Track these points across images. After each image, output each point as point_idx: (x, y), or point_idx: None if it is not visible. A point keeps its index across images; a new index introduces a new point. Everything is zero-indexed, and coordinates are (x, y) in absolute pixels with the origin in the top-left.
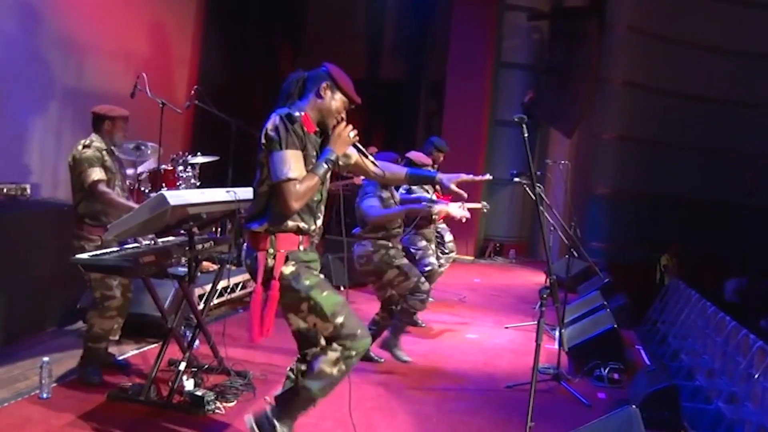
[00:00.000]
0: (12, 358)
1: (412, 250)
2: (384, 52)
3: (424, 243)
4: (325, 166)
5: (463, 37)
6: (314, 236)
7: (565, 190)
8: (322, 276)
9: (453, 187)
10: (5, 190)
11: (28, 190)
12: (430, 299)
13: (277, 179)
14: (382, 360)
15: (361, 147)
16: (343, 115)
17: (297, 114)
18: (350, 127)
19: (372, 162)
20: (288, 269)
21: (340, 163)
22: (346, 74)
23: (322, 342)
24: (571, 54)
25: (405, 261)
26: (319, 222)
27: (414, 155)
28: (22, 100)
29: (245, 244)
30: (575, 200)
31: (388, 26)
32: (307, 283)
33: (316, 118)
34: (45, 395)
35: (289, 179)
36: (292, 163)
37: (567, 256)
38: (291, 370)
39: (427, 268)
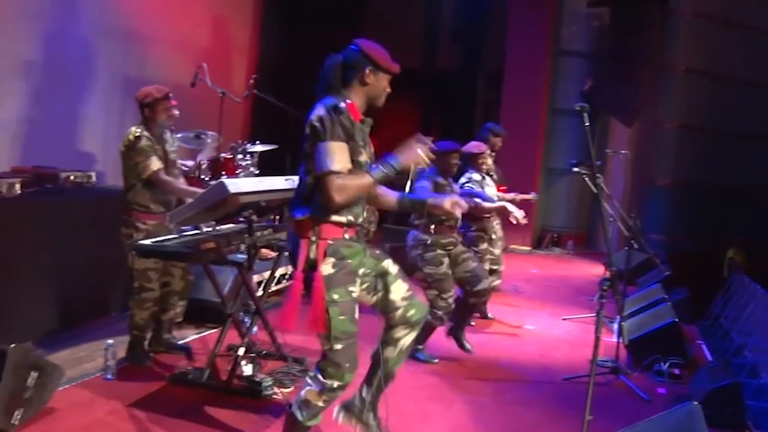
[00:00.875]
0: (78, 340)
1: (474, 250)
2: (441, 41)
3: (485, 246)
4: (383, 171)
5: (520, 26)
6: (363, 227)
7: (625, 180)
8: (355, 294)
9: (446, 205)
10: (72, 178)
11: (93, 178)
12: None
13: (320, 171)
14: (436, 360)
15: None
16: (389, 89)
17: (343, 104)
18: (427, 147)
19: None
20: (327, 270)
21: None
22: (380, 46)
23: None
24: (633, 41)
25: (437, 270)
26: (366, 215)
27: (466, 147)
28: (87, 91)
29: (289, 231)
30: (635, 191)
31: (446, 15)
32: (335, 297)
33: (362, 104)
34: (109, 376)
35: (332, 172)
36: (336, 156)
37: (626, 248)
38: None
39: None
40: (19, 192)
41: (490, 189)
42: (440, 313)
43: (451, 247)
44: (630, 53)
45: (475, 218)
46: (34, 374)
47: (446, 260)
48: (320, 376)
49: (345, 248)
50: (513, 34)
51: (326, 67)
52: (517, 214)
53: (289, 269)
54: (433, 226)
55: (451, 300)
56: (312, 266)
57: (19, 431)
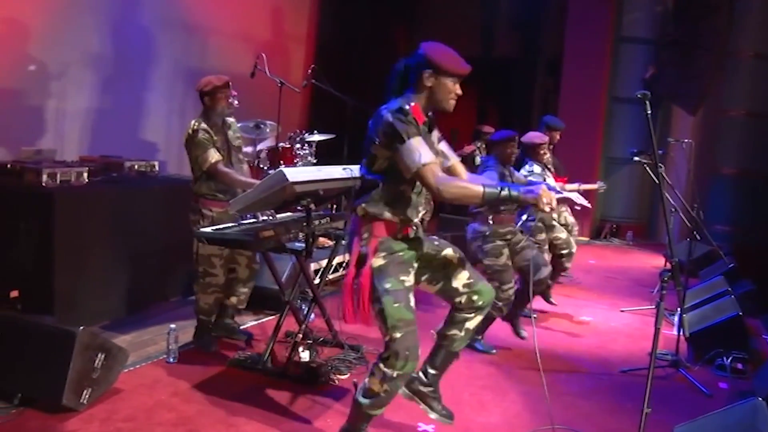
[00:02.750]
0: (141, 324)
1: (533, 240)
2: (499, 28)
3: (543, 236)
4: (497, 191)
5: (581, 11)
6: (416, 227)
7: (688, 170)
8: (408, 283)
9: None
10: (136, 167)
11: (156, 167)
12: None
13: (415, 169)
14: (494, 351)
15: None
16: (459, 91)
17: (407, 107)
18: (552, 202)
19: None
20: (377, 262)
21: (439, 163)
22: (449, 48)
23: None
24: (697, 26)
25: (496, 261)
26: (422, 213)
27: (526, 137)
28: (151, 82)
29: (350, 224)
30: (699, 181)
31: (504, 2)
32: (387, 286)
33: (426, 106)
34: (171, 360)
35: (424, 164)
36: (421, 149)
37: (689, 239)
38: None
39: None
40: (87, 181)
41: (550, 181)
42: (500, 304)
43: (510, 236)
44: (694, 39)
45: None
46: (101, 356)
47: (506, 251)
48: (381, 365)
49: (397, 244)
50: (572, 21)
51: (391, 72)
52: (583, 202)
53: (347, 257)
54: (491, 216)
55: (511, 291)
56: (362, 261)
57: (87, 410)
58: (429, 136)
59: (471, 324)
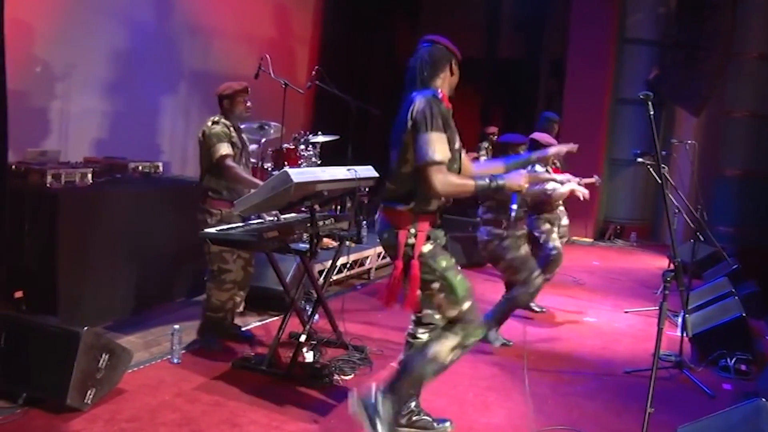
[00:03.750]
0: (145, 325)
1: (536, 234)
2: (503, 29)
3: (547, 226)
4: (488, 182)
5: (584, 13)
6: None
7: (692, 171)
8: (453, 261)
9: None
10: (140, 168)
11: (160, 168)
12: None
13: (422, 161)
14: (511, 343)
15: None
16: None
17: (440, 94)
18: (528, 182)
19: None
20: (427, 247)
21: None
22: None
23: (440, 323)
24: (701, 27)
25: (519, 253)
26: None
27: (539, 136)
28: (154, 83)
29: (381, 219)
30: (702, 182)
31: (507, 2)
32: (444, 264)
33: (447, 94)
34: (176, 360)
35: (434, 161)
36: (437, 146)
37: (692, 240)
38: (409, 333)
39: (554, 252)
40: (91, 181)
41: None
42: (532, 290)
43: (523, 239)
44: (698, 40)
45: (544, 207)
46: (105, 356)
47: (524, 243)
48: (458, 334)
49: (438, 231)
50: (576, 22)
51: (414, 64)
52: (584, 191)
53: (350, 259)
54: (504, 223)
55: (540, 279)
56: (411, 254)
57: (91, 410)
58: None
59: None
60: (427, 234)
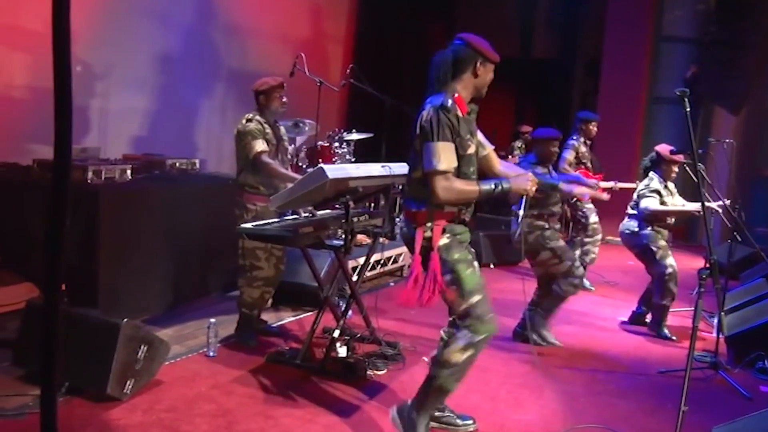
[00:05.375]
0: (182, 318)
1: (653, 249)
2: (537, 28)
3: (663, 243)
4: (493, 187)
5: (620, 11)
6: (467, 212)
7: (730, 170)
8: (471, 255)
9: (575, 190)
10: (177, 165)
11: (197, 165)
12: (586, 283)
13: (428, 169)
14: (545, 343)
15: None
16: (492, 78)
17: (450, 102)
18: (536, 183)
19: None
20: (443, 241)
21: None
22: (481, 38)
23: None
24: (740, 25)
25: (560, 243)
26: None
27: (663, 149)
28: (192, 82)
29: (403, 217)
30: (740, 182)
31: (542, 1)
32: (456, 256)
33: (468, 96)
34: (211, 353)
35: (438, 171)
36: (442, 155)
37: (729, 241)
38: (443, 332)
39: (669, 270)
40: (130, 178)
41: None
42: (576, 281)
43: (558, 233)
44: (737, 38)
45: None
46: (143, 348)
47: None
48: (466, 331)
49: (458, 227)
50: (612, 20)
51: (436, 63)
52: (602, 197)
53: (384, 255)
54: (546, 216)
55: (581, 269)
56: (428, 248)
57: (130, 400)
58: (473, 122)
59: None
60: (443, 228)
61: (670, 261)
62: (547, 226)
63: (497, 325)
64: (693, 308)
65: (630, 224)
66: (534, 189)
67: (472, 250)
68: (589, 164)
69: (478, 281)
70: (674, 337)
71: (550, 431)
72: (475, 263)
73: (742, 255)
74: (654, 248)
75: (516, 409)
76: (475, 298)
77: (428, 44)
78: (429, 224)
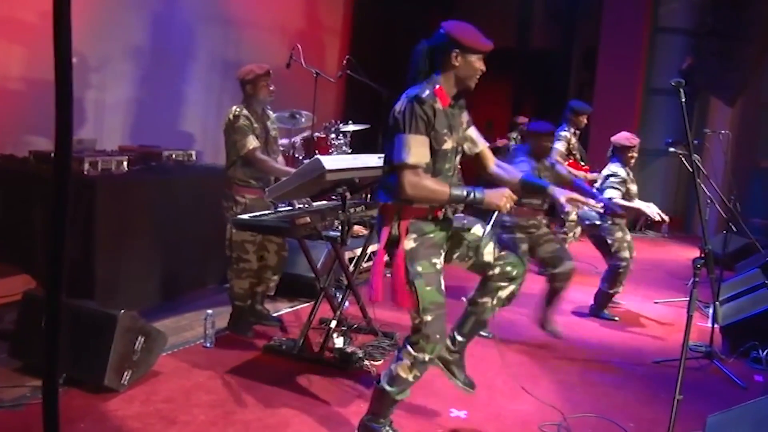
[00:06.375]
0: (179, 310)
1: (609, 241)
2: (535, 19)
3: (620, 234)
4: (464, 194)
5: (617, 2)
6: (448, 208)
7: (725, 161)
8: (439, 266)
9: (562, 200)
10: (173, 156)
11: (193, 156)
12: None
13: (397, 161)
14: (617, 318)
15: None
16: (483, 68)
17: (427, 93)
18: (512, 200)
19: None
20: (409, 244)
21: (466, 149)
22: (469, 25)
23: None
24: (737, 16)
25: (524, 247)
26: None
27: (618, 138)
28: (188, 74)
29: (378, 211)
30: (736, 173)
31: None
32: (419, 269)
33: (451, 88)
34: (208, 344)
35: (407, 165)
36: (412, 148)
37: (725, 232)
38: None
39: (623, 264)
40: (126, 169)
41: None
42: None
43: (533, 230)
44: (733, 29)
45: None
46: (141, 339)
47: (525, 245)
48: (411, 350)
49: (427, 225)
50: (609, 11)
51: (414, 54)
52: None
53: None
54: (562, 224)
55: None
56: (394, 243)
57: (127, 391)
58: (457, 116)
59: (504, 293)
60: (408, 227)
61: (625, 254)
62: (509, 224)
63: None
64: (688, 298)
65: (590, 214)
66: (508, 207)
67: (443, 252)
68: (578, 155)
69: (432, 299)
70: (616, 318)
71: (546, 421)
72: (441, 277)
73: (737, 246)
74: (610, 241)
75: (512, 399)
76: (428, 317)
77: (425, 35)
78: (395, 222)
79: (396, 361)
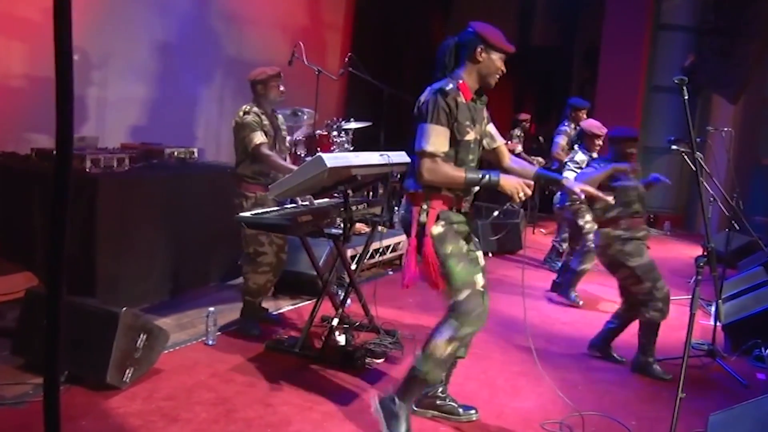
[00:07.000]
0: (181, 307)
1: (580, 223)
2: (536, 17)
3: (589, 217)
4: (479, 176)
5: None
6: (466, 200)
7: (728, 159)
8: (465, 247)
9: (577, 191)
10: (175, 153)
11: (195, 154)
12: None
13: (417, 149)
14: (624, 360)
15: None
16: (504, 68)
17: (451, 86)
18: (529, 191)
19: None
20: (437, 230)
21: (485, 144)
22: (494, 27)
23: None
24: (739, 13)
25: (643, 260)
26: (476, 188)
27: (587, 124)
28: (191, 71)
29: (404, 198)
30: (739, 171)
31: None
32: (449, 250)
33: (474, 83)
34: (210, 342)
35: (425, 152)
36: (431, 137)
37: (727, 230)
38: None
39: (590, 245)
40: (129, 167)
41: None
42: (660, 305)
43: (646, 240)
44: (736, 26)
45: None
46: (143, 336)
47: (646, 250)
48: (451, 324)
49: (455, 215)
50: (610, 8)
51: (441, 49)
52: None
53: (383, 244)
54: (624, 221)
55: (666, 289)
56: (423, 231)
57: (129, 389)
58: (480, 111)
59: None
60: (438, 214)
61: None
62: (626, 236)
63: (485, 320)
64: (690, 296)
65: (556, 197)
66: (521, 196)
67: (476, 239)
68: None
69: (467, 277)
70: (581, 302)
71: (549, 419)
72: (478, 253)
73: (740, 244)
74: (581, 223)
75: (514, 397)
76: (464, 294)
77: (427, 32)
78: (425, 206)
79: (431, 340)
